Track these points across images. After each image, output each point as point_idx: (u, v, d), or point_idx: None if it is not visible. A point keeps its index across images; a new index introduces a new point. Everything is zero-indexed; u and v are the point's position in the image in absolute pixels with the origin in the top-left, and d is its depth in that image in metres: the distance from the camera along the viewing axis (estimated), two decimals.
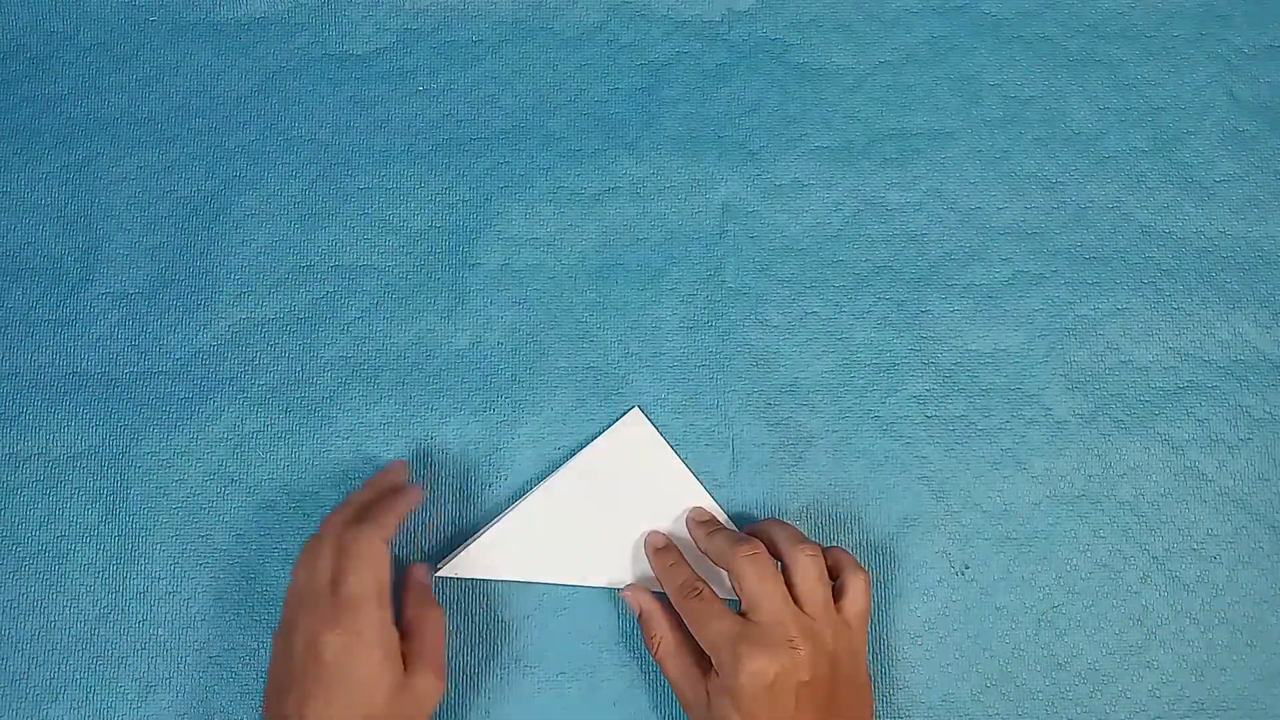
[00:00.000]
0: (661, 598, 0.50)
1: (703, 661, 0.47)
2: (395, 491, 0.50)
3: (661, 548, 0.51)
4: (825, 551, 0.48)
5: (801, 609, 0.46)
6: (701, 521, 0.51)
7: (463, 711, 0.52)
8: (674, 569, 0.49)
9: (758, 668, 0.44)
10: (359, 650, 0.44)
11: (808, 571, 0.46)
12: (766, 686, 0.44)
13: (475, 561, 0.52)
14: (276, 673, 0.46)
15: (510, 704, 0.52)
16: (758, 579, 0.46)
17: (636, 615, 0.50)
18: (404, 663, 0.46)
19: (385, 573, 0.46)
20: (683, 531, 0.52)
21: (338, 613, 0.44)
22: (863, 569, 0.48)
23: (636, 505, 0.52)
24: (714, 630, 0.46)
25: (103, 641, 0.53)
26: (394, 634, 0.45)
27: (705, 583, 0.48)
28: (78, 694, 0.52)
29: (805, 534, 0.49)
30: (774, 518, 0.52)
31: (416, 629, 0.47)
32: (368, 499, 0.49)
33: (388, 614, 0.45)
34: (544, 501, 0.52)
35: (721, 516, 0.52)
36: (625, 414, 0.53)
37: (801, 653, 0.44)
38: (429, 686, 0.46)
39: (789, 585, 0.46)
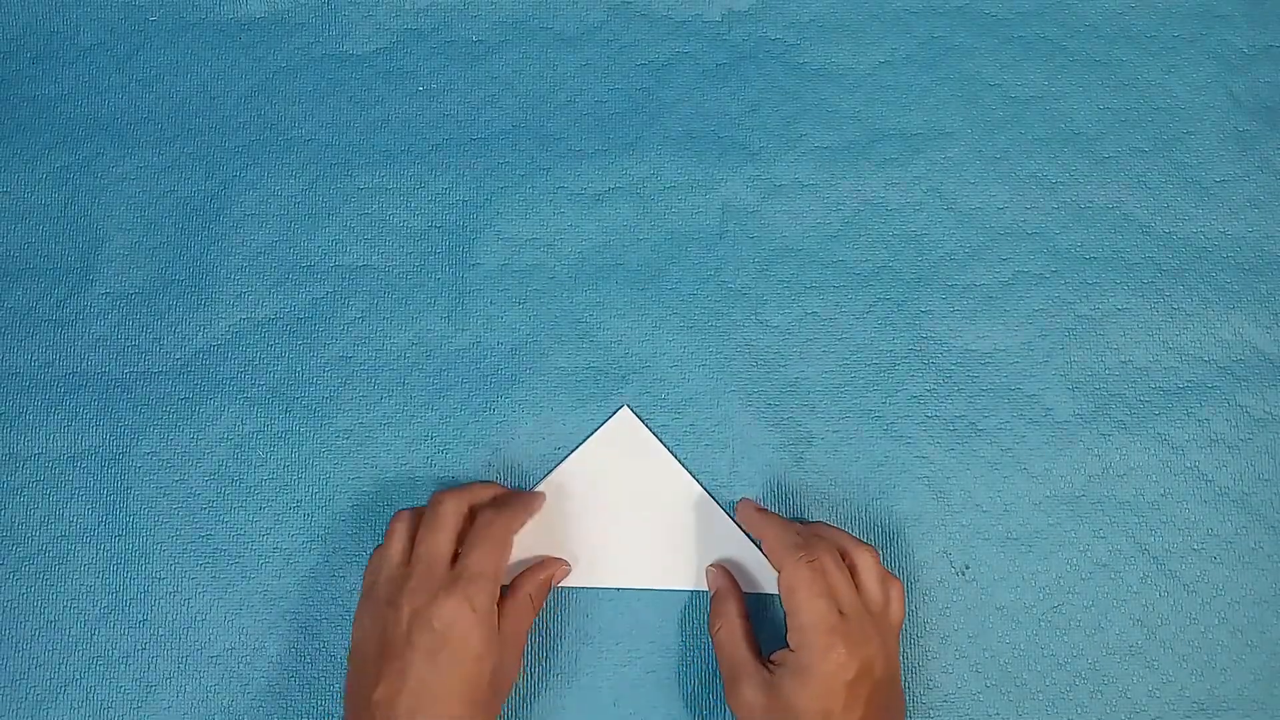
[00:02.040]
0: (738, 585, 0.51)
1: (758, 651, 0.48)
2: (522, 495, 0.52)
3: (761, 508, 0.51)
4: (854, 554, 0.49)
5: (867, 608, 0.47)
6: (761, 510, 0.51)
7: None
8: (793, 533, 0.49)
9: (843, 660, 0.44)
10: (470, 622, 0.45)
11: (871, 571, 0.48)
12: (847, 681, 0.44)
13: (600, 571, 0.52)
14: (372, 642, 0.46)
15: (510, 704, 0.52)
16: (836, 568, 0.47)
17: (711, 592, 0.51)
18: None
19: (506, 559, 0.48)
20: (684, 525, 0.52)
21: (453, 585, 0.45)
22: (898, 578, 0.49)
23: (631, 503, 0.52)
24: (816, 607, 0.45)
25: (103, 641, 0.53)
26: (497, 617, 0.47)
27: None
28: (78, 694, 0.52)
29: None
30: (820, 522, 0.51)
31: (514, 610, 0.48)
32: (486, 488, 0.51)
33: (497, 594, 0.47)
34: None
35: (716, 511, 0.52)
36: (615, 413, 0.53)
37: (874, 651, 0.45)
38: (512, 668, 0.47)
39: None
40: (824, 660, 0.44)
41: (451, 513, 0.48)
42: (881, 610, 0.47)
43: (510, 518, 0.49)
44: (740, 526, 0.52)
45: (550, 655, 0.52)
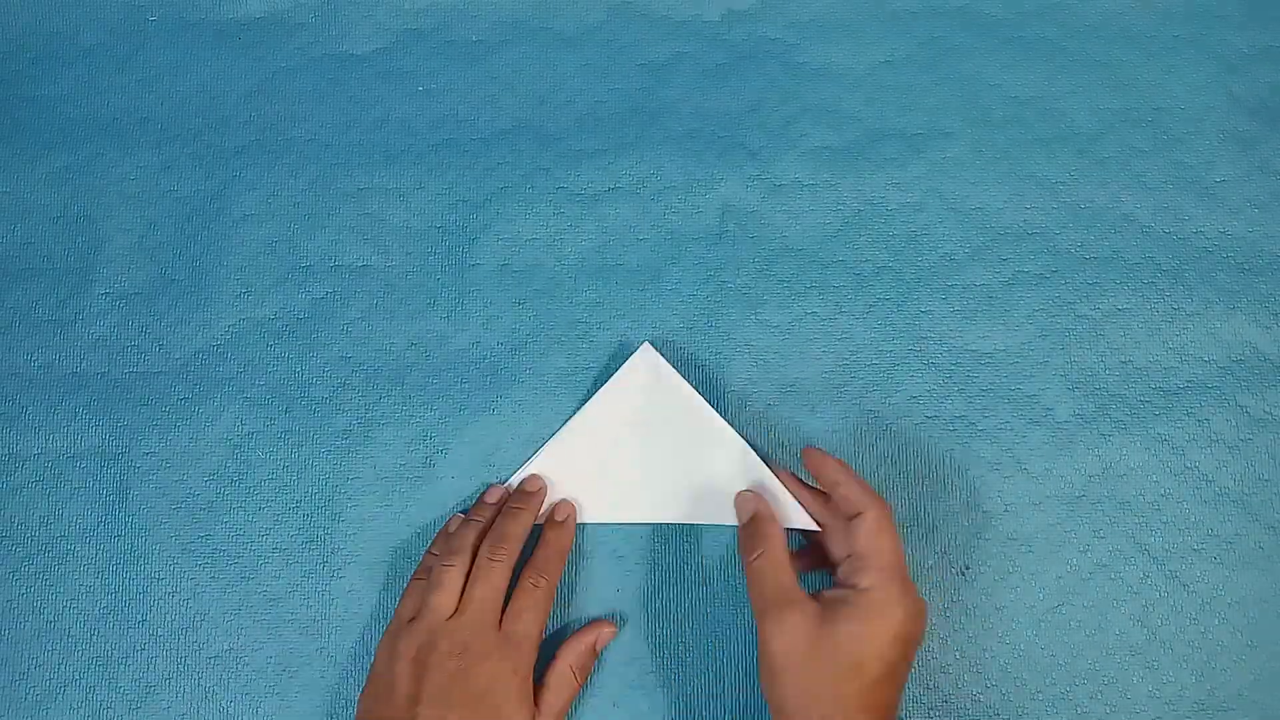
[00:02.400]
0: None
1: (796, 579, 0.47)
2: (556, 532, 0.51)
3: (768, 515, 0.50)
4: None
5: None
6: (828, 456, 0.49)
7: None
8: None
9: (915, 610, 0.45)
10: (510, 686, 0.46)
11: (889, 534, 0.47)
12: (911, 633, 0.45)
13: (606, 507, 0.52)
14: (406, 682, 0.46)
15: None
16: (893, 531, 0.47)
17: (745, 519, 0.49)
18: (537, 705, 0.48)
19: (548, 614, 0.49)
20: (710, 459, 0.51)
21: (503, 647, 0.46)
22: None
23: (657, 438, 0.52)
24: (899, 552, 0.46)
25: (103, 641, 0.53)
26: (532, 680, 0.47)
27: None
28: (78, 694, 0.52)
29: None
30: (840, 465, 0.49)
31: (552, 684, 0.49)
32: (526, 528, 0.50)
33: (537, 656, 0.48)
34: (567, 445, 0.52)
35: (738, 441, 0.51)
36: (637, 350, 0.53)
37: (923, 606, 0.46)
38: None
39: None
40: (898, 605, 0.44)
41: (507, 572, 0.48)
42: None
43: (555, 573, 0.49)
44: (768, 464, 0.51)
45: (551, 655, 0.52)
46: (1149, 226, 0.55)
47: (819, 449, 0.50)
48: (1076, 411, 0.53)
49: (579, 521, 0.52)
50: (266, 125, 0.56)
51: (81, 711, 0.52)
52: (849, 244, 0.55)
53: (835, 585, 0.46)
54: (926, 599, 0.52)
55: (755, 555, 0.47)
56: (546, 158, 0.56)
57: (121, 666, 0.52)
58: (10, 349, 0.55)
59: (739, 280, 0.55)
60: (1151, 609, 0.52)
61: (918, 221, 0.55)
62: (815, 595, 0.46)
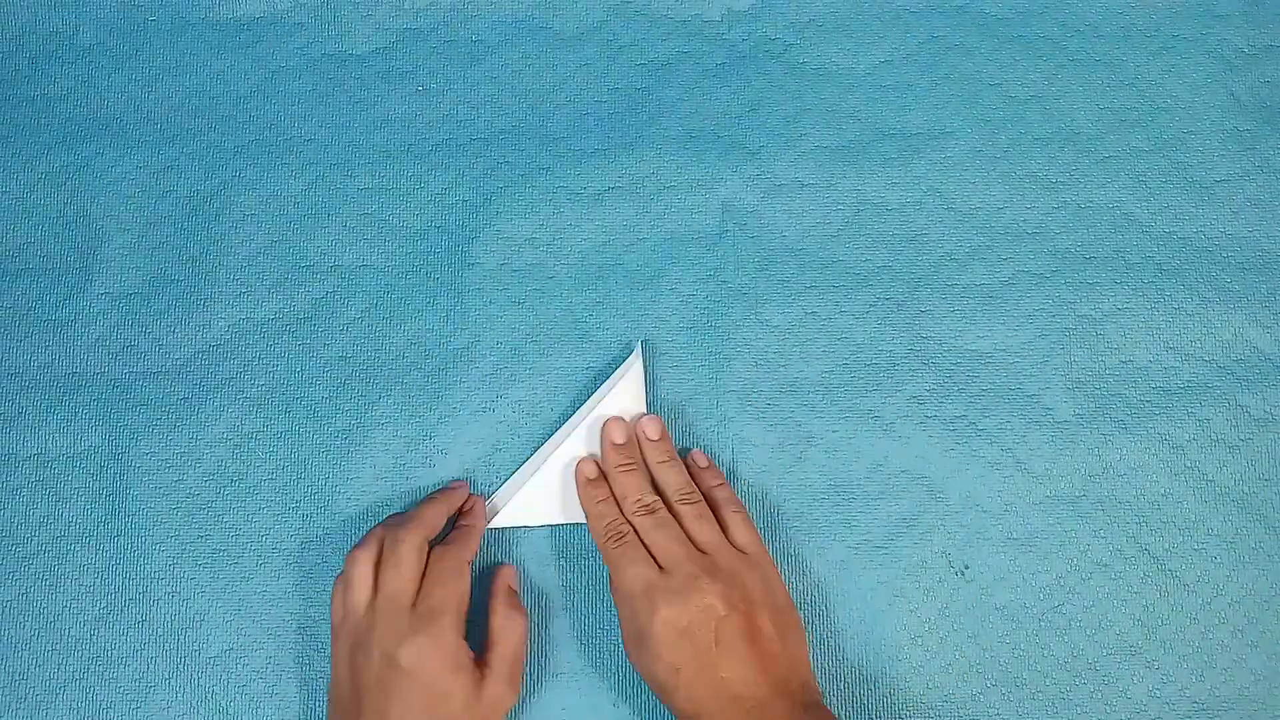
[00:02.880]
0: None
1: None
2: (471, 515, 0.51)
3: (593, 479, 0.51)
4: (705, 484, 0.50)
5: (700, 550, 0.47)
6: (617, 445, 0.51)
7: None
8: (602, 506, 0.50)
9: (671, 614, 0.45)
10: (436, 660, 0.45)
11: (687, 516, 0.49)
12: (682, 630, 0.45)
13: (521, 511, 0.52)
14: (346, 685, 0.46)
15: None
16: (654, 527, 0.48)
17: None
18: (481, 670, 0.47)
19: (467, 589, 0.48)
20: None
21: (418, 624, 0.46)
22: (738, 502, 0.50)
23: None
24: (630, 576, 0.47)
25: (103, 641, 0.53)
26: (465, 646, 0.47)
27: (631, 525, 0.49)
28: (77, 694, 0.52)
29: (688, 481, 0.50)
30: (671, 459, 0.51)
31: (498, 637, 0.49)
32: (436, 513, 0.50)
33: (462, 628, 0.47)
34: (573, 448, 0.52)
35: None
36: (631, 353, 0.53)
37: (709, 593, 0.46)
38: (501, 696, 0.47)
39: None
40: (653, 622, 0.45)
41: (412, 551, 0.48)
42: (716, 545, 0.48)
43: (462, 548, 0.49)
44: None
45: (550, 655, 0.52)
46: (1149, 226, 0.55)
47: (589, 462, 0.52)
48: (1076, 411, 0.53)
49: (560, 523, 0.52)
50: (266, 125, 0.56)
51: (81, 711, 0.52)
52: (849, 244, 0.55)
53: None
54: (926, 599, 0.52)
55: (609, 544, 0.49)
56: (546, 158, 0.56)
57: (121, 666, 0.52)
58: (9, 349, 0.55)
59: (739, 280, 0.55)
60: (1151, 609, 0.52)
61: (918, 221, 0.55)
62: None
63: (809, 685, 0.47)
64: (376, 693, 0.45)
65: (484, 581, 0.51)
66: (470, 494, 0.53)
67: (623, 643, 0.48)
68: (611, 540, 0.48)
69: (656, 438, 0.51)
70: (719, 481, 0.51)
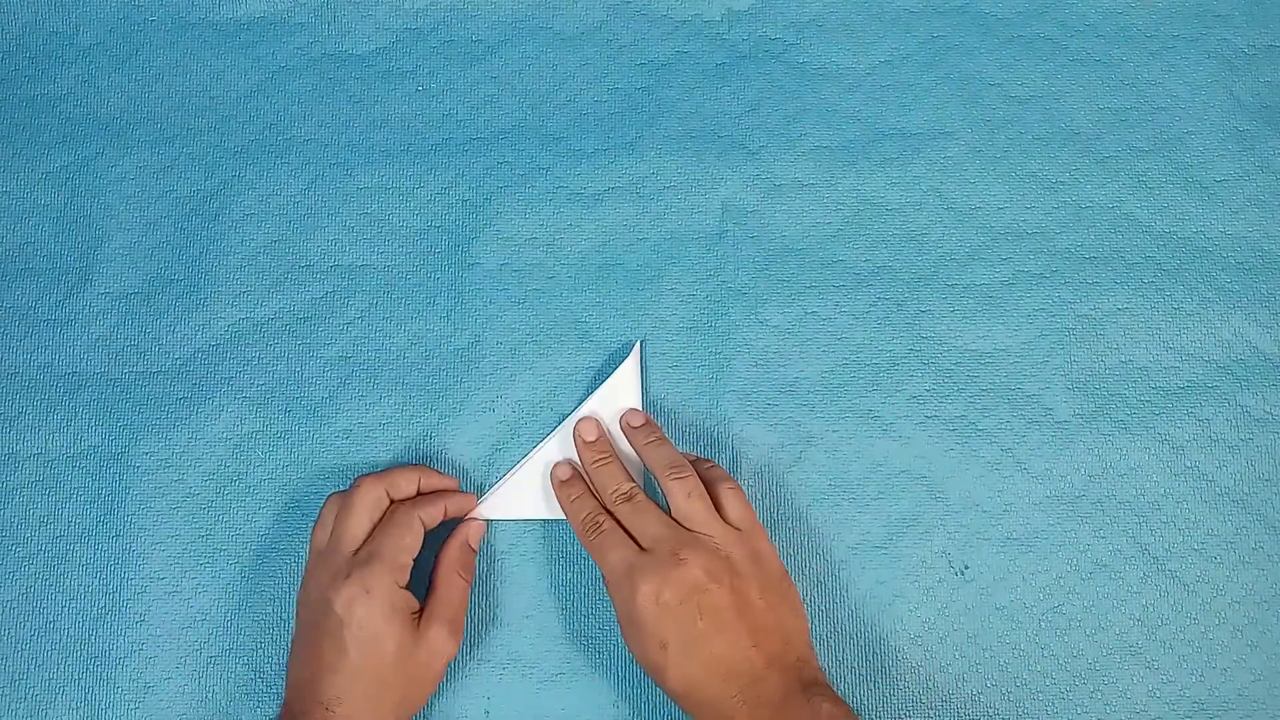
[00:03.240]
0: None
1: None
2: (451, 492, 0.52)
3: (566, 480, 0.51)
4: (698, 469, 0.50)
5: (687, 528, 0.47)
6: (589, 443, 0.51)
7: (463, 712, 0.52)
8: (577, 503, 0.50)
9: (651, 589, 0.45)
10: (366, 606, 0.46)
11: (675, 493, 0.48)
12: (664, 604, 0.45)
13: (506, 504, 0.52)
14: (295, 632, 0.48)
15: (510, 704, 0.52)
16: (634, 513, 0.48)
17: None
18: (418, 620, 0.48)
19: (413, 542, 0.48)
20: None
21: (352, 569, 0.46)
22: (732, 479, 0.50)
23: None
24: (611, 562, 0.47)
25: (103, 641, 0.53)
26: (405, 595, 0.47)
27: (609, 514, 0.49)
28: (78, 694, 0.52)
29: (678, 456, 0.50)
30: (660, 439, 0.51)
31: (439, 586, 0.49)
32: (407, 476, 0.50)
33: (401, 578, 0.47)
34: (560, 445, 0.53)
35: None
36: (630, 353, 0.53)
37: (691, 565, 0.45)
38: (440, 643, 0.47)
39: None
40: (635, 601, 0.45)
41: (367, 498, 0.48)
42: (704, 521, 0.47)
43: (417, 504, 0.49)
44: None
45: (550, 655, 0.52)
46: (1149, 226, 0.55)
47: (566, 468, 0.52)
48: (1076, 411, 0.53)
49: (545, 518, 0.53)
50: (266, 125, 0.56)
51: (81, 711, 0.52)
52: (849, 244, 0.55)
53: None
54: (926, 599, 0.52)
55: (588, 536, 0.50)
56: (546, 158, 0.56)
57: (121, 666, 0.52)
58: (9, 349, 0.55)
59: (739, 280, 0.55)
60: (1151, 609, 0.52)
61: (918, 221, 0.55)
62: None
63: (808, 660, 0.46)
64: (313, 632, 0.46)
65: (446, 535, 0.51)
66: (465, 493, 0.53)
67: (622, 636, 0.48)
68: (590, 532, 0.49)
69: (640, 424, 0.52)
70: (711, 464, 0.51)
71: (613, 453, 0.51)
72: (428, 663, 0.47)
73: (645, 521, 0.48)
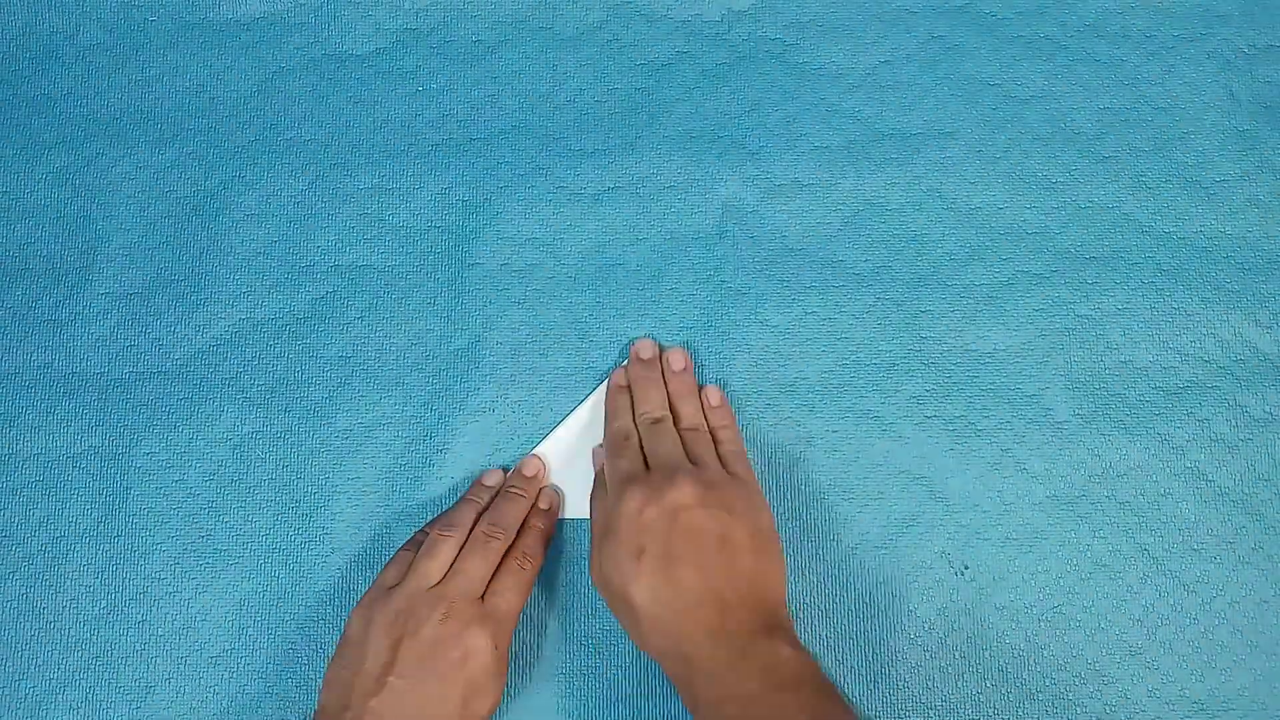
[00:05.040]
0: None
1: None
2: (541, 518, 0.52)
3: (622, 385, 0.52)
4: (711, 432, 0.51)
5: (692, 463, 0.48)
6: (644, 360, 0.53)
7: None
8: (623, 413, 0.51)
9: (636, 502, 0.46)
10: (486, 657, 0.46)
11: (690, 441, 0.49)
12: (644, 518, 0.45)
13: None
14: (382, 644, 0.46)
15: (510, 704, 0.52)
16: (656, 435, 0.49)
17: (597, 469, 0.52)
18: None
19: (526, 601, 0.49)
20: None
21: (483, 619, 0.47)
22: (739, 442, 0.51)
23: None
24: (615, 469, 0.48)
25: (103, 641, 0.53)
26: (507, 659, 0.48)
27: (638, 431, 0.50)
28: (77, 694, 0.52)
29: (701, 418, 0.51)
30: (690, 394, 0.52)
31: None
32: (519, 511, 0.51)
33: (511, 640, 0.48)
34: (565, 439, 0.53)
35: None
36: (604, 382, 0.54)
37: (683, 486, 0.46)
38: (470, 639, 0.46)
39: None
40: (618, 508, 0.46)
41: (499, 551, 0.49)
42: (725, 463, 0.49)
43: (538, 560, 0.50)
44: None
45: (550, 655, 0.52)
46: (1149, 226, 0.55)
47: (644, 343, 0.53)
48: (1076, 411, 0.53)
49: (566, 516, 0.53)
50: (266, 125, 0.56)
51: (81, 711, 0.52)
52: (849, 244, 0.55)
53: None
54: (926, 599, 0.52)
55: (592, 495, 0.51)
56: (546, 158, 0.56)
57: (121, 666, 0.52)
58: (9, 349, 0.55)
59: (739, 280, 0.55)
60: (1151, 609, 0.52)
61: (918, 221, 0.55)
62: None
63: (777, 609, 0.46)
64: (415, 665, 0.46)
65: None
66: (545, 488, 0.53)
67: (589, 564, 0.48)
68: (618, 439, 0.50)
69: (680, 369, 0.53)
70: (725, 422, 0.52)
71: (660, 377, 0.52)
72: (457, 660, 0.46)
73: (660, 443, 0.49)
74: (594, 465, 0.53)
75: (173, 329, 0.55)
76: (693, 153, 0.55)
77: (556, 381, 0.54)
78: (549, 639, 0.52)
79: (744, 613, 0.44)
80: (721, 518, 0.46)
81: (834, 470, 0.53)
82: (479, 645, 0.46)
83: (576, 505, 0.53)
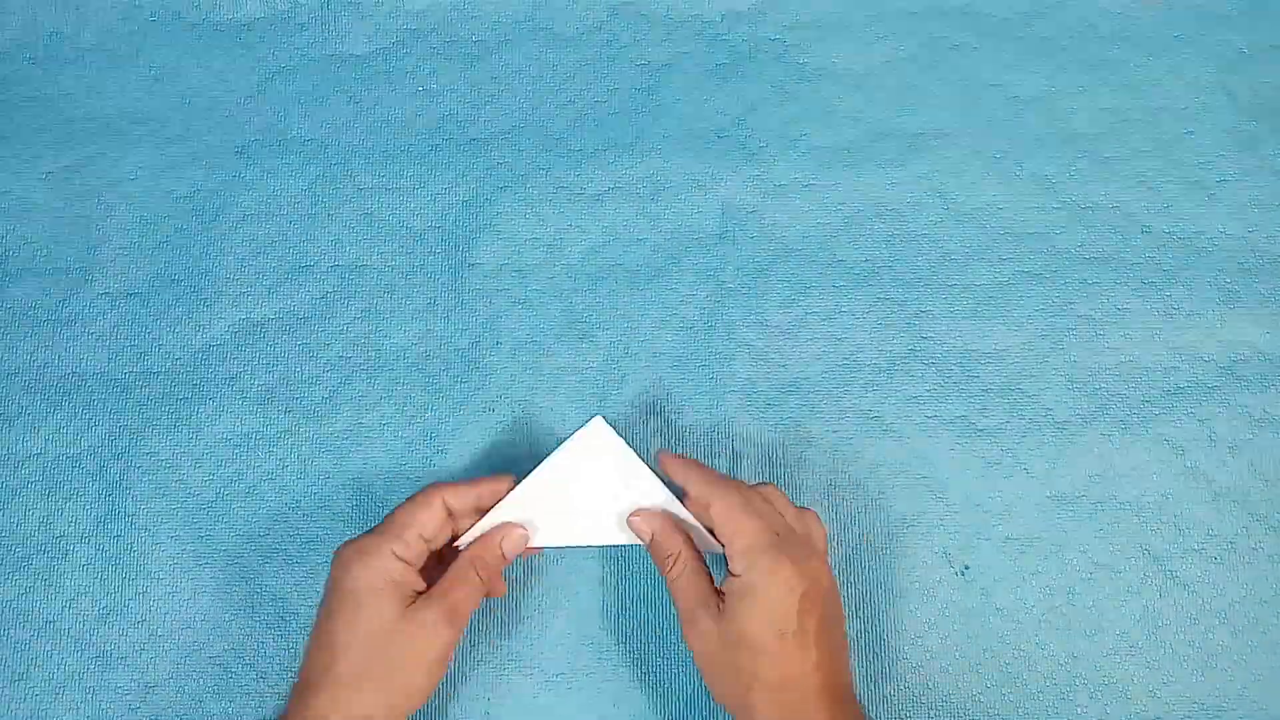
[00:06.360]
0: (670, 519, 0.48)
1: (714, 584, 0.46)
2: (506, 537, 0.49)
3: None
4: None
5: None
6: (681, 457, 0.48)
7: (463, 712, 0.52)
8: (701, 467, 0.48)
9: (790, 576, 0.44)
10: (359, 567, 0.45)
11: (781, 500, 0.47)
12: (798, 597, 0.44)
13: (556, 531, 0.49)
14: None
15: (510, 704, 0.52)
16: (761, 498, 0.46)
17: (646, 542, 0.48)
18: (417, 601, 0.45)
19: (427, 522, 0.46)
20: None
21: (363, 540, 0.46)
22: (809, 508, 0.49)
23: (602, 512, 0.49)
24: (752, 528, 0.44)
25: (103, 641, 0.53)
26: (405, 570, 0.45)
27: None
28: (77, 694, 0.52)
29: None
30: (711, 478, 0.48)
31: (449, 573, 0.46)
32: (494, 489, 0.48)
33: (406, 553, 0.45)
34: (509, 514, 0.48)
35: (686, 517, 0.48)
36: (588, 423, 0.48)
37: (816, 565, 0.45)
38: (429, 628, 0.45)
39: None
40: (772, 578, 0.44)
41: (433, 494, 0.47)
42: (806, 535, 0.47)
43: (450, 488, 0.47)
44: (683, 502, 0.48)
45: (550, 655, 0.52)
46: (1149, 226, 0.55)
47: (670, 453, 0.48)
48: (1076, 411, 0.53)
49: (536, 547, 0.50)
50: (266, 125, 0.56)
51: (81, 711, 0.52)
52: (849, 244, 0.55)
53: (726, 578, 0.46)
54: (926, 599, 0.52)
55: (671, 569, 0.47)
56: (546, 158, 0.56)
57: (121, 666, 0.52)
58: (9, 348, 0.55)
59: (739, 280, 0.55)
60: (1151, 609, 0.52)
61: (918, 221, 0.55)
62: (719, 590, 0.46)
63: (849, 684, 0.46)
64: (324, 599, 0.46)
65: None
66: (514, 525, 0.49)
67: (687, 622, 0.45)
68: (735, 485, 0.46)
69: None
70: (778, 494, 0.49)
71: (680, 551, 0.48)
72: (415, 649, 0.44)
73: (770, 509, 0.46)
74: (643, 533, 0.48)
75: (173, 329, 0.55)
76: (693, 153, 0.55)
77: (556, 381, 0.54)
78: (550, 639, 0.52)
79: (844, 702, 0.45)
80: (835, 597, 0.47)
81: (834, 470, 0.53)
82: (346, 558, 0.45)
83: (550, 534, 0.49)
